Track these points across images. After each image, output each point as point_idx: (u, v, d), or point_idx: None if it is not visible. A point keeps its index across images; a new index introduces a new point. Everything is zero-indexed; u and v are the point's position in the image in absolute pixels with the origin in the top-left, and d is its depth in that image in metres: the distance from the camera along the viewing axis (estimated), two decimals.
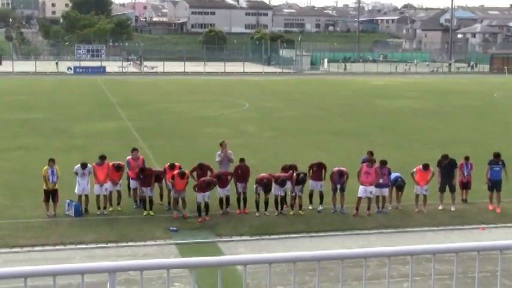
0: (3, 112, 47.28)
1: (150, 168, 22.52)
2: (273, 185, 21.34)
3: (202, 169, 21.87)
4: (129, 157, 22.73)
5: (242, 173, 21.64)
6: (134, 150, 23.02)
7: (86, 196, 21.20)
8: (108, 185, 21.39)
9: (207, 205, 20.73)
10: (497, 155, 22.90)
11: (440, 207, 22.31)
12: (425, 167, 22.25)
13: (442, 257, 4.46)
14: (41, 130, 38.91)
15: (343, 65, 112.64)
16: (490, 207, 22.39)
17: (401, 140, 36.95)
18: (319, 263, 4.12)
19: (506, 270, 5.00)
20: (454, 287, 4.54)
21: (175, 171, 21.10)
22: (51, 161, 21.12)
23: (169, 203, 21.67)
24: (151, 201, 21.27)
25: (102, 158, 21.82)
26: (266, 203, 21.25)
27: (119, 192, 21.78)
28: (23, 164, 29.04)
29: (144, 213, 21.03)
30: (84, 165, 21.31)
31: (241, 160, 22.18)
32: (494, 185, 22.45)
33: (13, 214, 20.95)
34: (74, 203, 20.93)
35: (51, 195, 20.80)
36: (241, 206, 21.54)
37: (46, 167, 20.94)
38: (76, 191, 21.13)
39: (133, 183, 22.04)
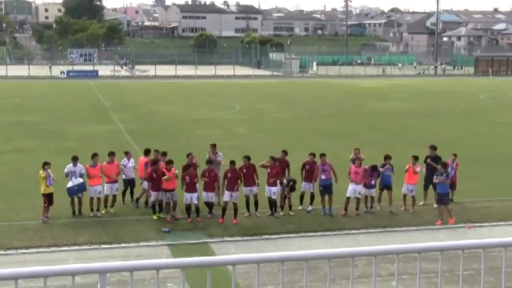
0: None
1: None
2: (266, 187, 21.27)
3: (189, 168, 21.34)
4: (143, 158, 22.64)
5: (232, 177, 20.65)
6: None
7: (79, 198, 21.09)
8: (100, 187, 21.28)
9: (197, 207, 20.70)
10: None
11: (421, 203, 22.42)
12: (416, 158, 22.31)
13: (429, 255, 4.46)
14: (35, 133, 38.79)
15: (337, 68, 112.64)
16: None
17: (390, 140, 37.02)
18: (306, 263, 4.12)
19: (490, 267, 5.01)
20: (439, 284, 4.55)
21: (162, 167, 20.86)
22: (47, 164, 20.87)
23: (146, 202, 21.65)
24: (160, 204, 20.97)
25: (95, 156, 21.62)
26: (256, 204, 21.21)
27: (114, 197, 21.70)
28: (17, 166, 28.95)
29: (154, 217, 20.67)
30: (75, 159, 21.14)
31: (232, 162, 21.09)
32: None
33: (7, 216, 20.88)
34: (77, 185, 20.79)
35: (48, 198, 20.56)
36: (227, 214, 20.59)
37: (42, 171, 20.67)
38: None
39: (145, 184, 21.77)
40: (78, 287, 3.94)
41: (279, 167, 21.54)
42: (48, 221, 20.30)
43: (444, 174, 20.97)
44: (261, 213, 21.20)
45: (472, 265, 5.70)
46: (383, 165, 22.09)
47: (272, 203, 21.27)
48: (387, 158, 22.38)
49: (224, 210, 20.50)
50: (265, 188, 21.25)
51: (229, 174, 20.73)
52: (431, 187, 22.44)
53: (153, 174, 20.73)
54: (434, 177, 21.19)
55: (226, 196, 20.54)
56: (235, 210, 20.51)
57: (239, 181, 20.78)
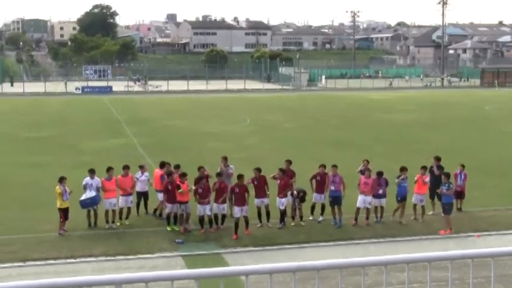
0: (16, 130, 47.42)
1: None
2: (277, 198, 21.22)
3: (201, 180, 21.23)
4: (158, 171, 22.69)
5: (240, 192, 20.33)
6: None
7: (94, 210, 21.14)
8: (115, 200, 21.33)
9: (210, 218, 20.69)
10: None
11: (430, 213, 22.33)
12: (424, 168, 22.24)
13: (439, 264, 4.44)
14: (51, 147, 38.97)
15: (345, 81, 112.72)
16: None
17: (396, 150, 36.93)
18: (318, 273, 4.10)
19: (499, 275, 4.98)
20: None
21: (176, 179, 20.90)
22: (63, 180, 20.82)
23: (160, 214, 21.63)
24: (175, 216, 20.95)
25: (109, 169, 21.67)
26: (268, 215, 21.18)
27: (129, 209, 21.74)
28: (34, 179, 29.08)
29: (168, 228, 20.65)
30: (92, 172, 21.26)
31: (239, 177, 20.76)
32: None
33: (25, 228, 20.93)
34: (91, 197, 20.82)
35: (64, 213, 20.52)
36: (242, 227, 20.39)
37: (58, 186, 20.62)
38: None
39: (160, 196, 21.80)
40: None
41: (287, 177, 21.52)
42: (65, 233, 20.32)
43: (446, 185, 20.81)
44: (273, 224, 21.16)
45: (481, 273, 5.66)
46: (398, 176, 21.92)
47: (282, 214, 21.21)
48: (403, 169, 22.12)
49: (236, 226, 20.16)
50: (276, 200, 21.22)
51: (236, 189, 20.43)
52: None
53: (169, 186, 20.74)
54: (440, 188, 21.09)
55: (237, 212, 20.35)
56: (247, 222, 20.38)
57: (247, 194, 20.52)
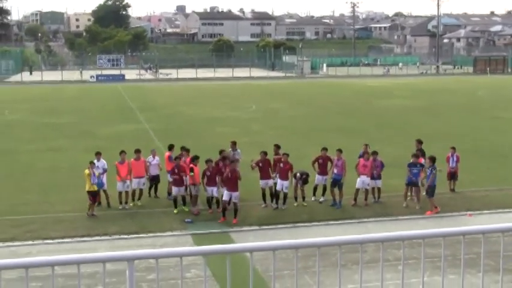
0: (34, 116, 47.48)
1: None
2: (278, 180, 21.10)
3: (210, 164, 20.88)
4: (167, 153, 22.71)
5: (232, 177, 19.64)
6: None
7: (105, 192, 21.10)
8: (128, 182, 21.34)
9: (217, 199, 20.67)
10: (416, 156, 21.62)
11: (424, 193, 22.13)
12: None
13: (433, 241, 4.46)
14: (69, 132, 39.02)
15: (346, 69, 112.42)
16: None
17: (395, 135, 36.86)
18: (319, 249, 4.12)
19: (489, 251, 4.98)
20: (442, 267, 4.53)
21: (189, 163, 20.84)
22: (91, 163, 20.56)
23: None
24: (182, 199, 20.82)
25: (122, 153, 21.57)
26: (273, 196, 21.15)
27: (141, 190, 21.76)
28: (52, 163, 29.14)
29: (175, 211, 20.40)
30: (98, 155, 21.23)
31: (231, 161, 20.40)
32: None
33: (44, 209, 21.03)
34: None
35: (93, 195, 20.22)
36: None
37: (87, 169, 20.27)
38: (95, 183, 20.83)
39: (168, 177, 21.61)
40: (109, 274, 3.96)
41: (288, 164, 21.09)
42: (94, 217, 19.97)
43: (430, 168, 20.50)
44: (278, 204, 21.12)
45: (473, 249, 5.68)
46: (412, 164, 21.27)
47: (284, 196, 21.08)
48: (416, 156, 21.53)
49: (224, 209, 19.66)
50: (278, 182, 21.05)
51: (229, 174, 19.78)
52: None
53: (175, 169, 20.72)
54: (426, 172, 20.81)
55: (225, 195, 19.70)
56: (236, 210, 19.70)
57: (239, 181, 19.83)
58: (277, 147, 22.56)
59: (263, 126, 41.40)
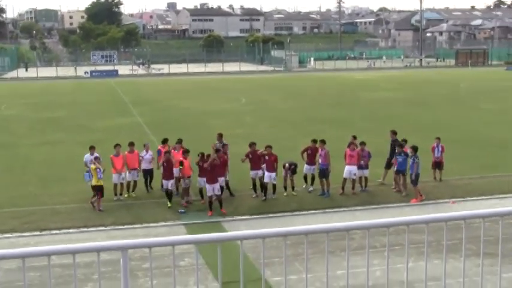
0: (31, 112, 47.25)
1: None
2: (266, 172, 21.07)
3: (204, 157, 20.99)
4: (159, 146, 22.65)
5: (216, 167, 19.57)
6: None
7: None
8: (123, 174, 21.28)
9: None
10: (401, 145, 21.76)
11: (379, 180, 22.38)
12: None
13: (417, 228, 4.48)
14: (64, 126, 38.87)
15: (332, 62, 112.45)
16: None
17: (381, 126, 36.87)
18: (307, 237, 4.13)
19: (471, 237, 5.02)
20: (425, 253, 4.56)
21: (180, 157, 20.78)
22: (97, 158, 20.29)
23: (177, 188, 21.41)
24: (172, 192, 20.66)
25: (117, 146, 21.56)
26: (262, 186, 21.15)
27: (135, 182, 21.70)
28: (50, 156, 29.06)
29: (169, 204, 20.15)
30: (91, 148, 21.07)
31: (217, 150, 20.23)
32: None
33: (42, 201, 20.99)
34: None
35: (98, 190, 19.91)
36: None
37: (93, 165, 19.95)
38: (88, 180, 20.74)
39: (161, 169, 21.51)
40: (105, 263, 3.96)
41: (273, 156, 21.06)
42: (101, 212, 19.67)
43: (412, 157, 20.47)
44: (267, 195, 21.13)
45: (456, 235, 5.72)
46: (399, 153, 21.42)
47: (273, 187, 21.07)
48: (401, 146, 21.69)
49: (210, 203, 19.45)
50: (266, 174, 21.02)
51: (209, 168, 19.60)
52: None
53: (164, 164, 20.54)
54: (394, 159, 21.02)
55: (208, 190, 19.50)
56: (220, 202, 19.56)
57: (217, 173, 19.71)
58: (270, 147, 22.47)
59: (255, 119, 41.37)
